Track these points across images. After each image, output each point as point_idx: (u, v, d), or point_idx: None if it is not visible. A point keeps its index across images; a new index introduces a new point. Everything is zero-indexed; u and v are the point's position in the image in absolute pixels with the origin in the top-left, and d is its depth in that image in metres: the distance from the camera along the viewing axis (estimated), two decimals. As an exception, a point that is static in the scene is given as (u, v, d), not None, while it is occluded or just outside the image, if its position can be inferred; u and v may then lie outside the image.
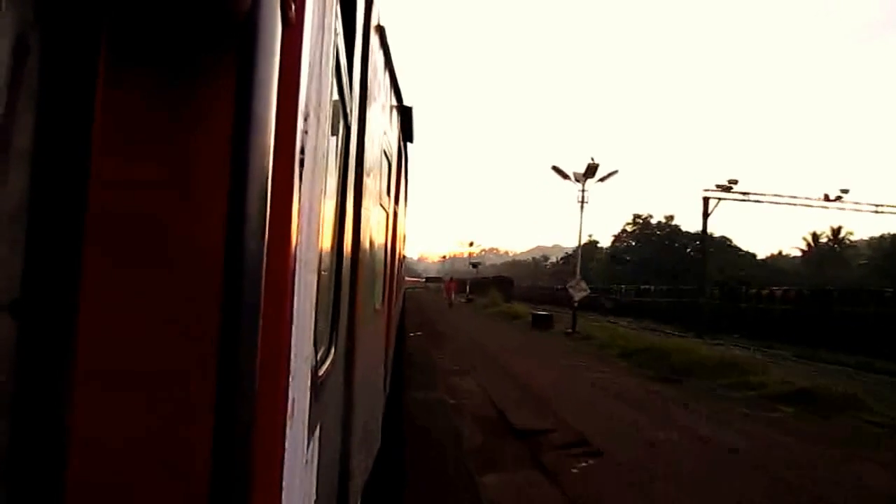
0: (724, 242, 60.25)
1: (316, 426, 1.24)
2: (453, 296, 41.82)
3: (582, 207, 23.33)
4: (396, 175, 4.60)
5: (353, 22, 1.73)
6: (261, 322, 0.64)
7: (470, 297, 51.35)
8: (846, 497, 5.73)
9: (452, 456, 6.01)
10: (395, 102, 3.94)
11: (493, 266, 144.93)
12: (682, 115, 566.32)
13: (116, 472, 0.66)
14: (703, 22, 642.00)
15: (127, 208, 0.68)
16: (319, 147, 1.06)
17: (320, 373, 1.29)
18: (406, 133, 5.48)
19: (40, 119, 0.58)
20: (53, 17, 0.58)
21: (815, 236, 65.35)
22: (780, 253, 74.86)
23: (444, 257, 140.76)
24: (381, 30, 2.60)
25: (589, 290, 24.17)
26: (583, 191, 23.24)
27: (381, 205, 3.31)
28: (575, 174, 23.28)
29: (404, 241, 9.03)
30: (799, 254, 68.39)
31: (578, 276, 23.16)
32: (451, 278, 52.12)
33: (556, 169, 23.66)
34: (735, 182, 29.23)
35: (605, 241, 78.47)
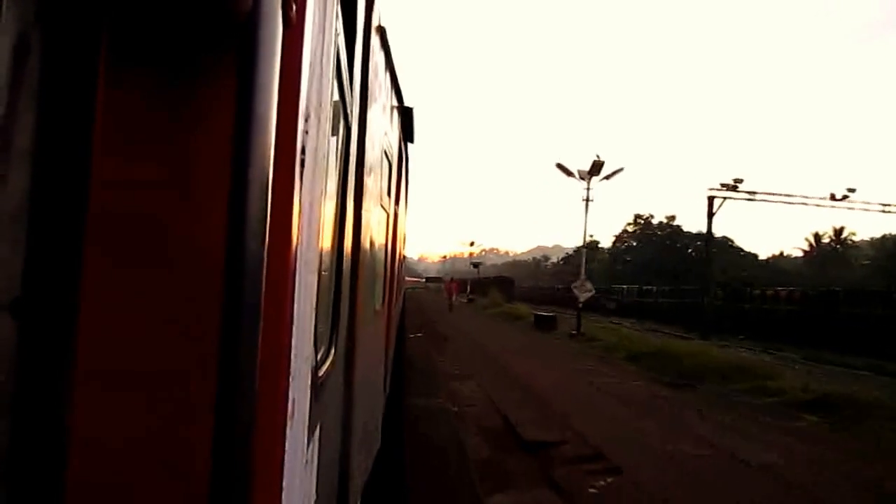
0: (726, 243, 60.15)
1: (316, 426, 1.23)
2: (454, 297, 39.27)
3: (587, 206, 22.98)
4: (397, 176, 4.60)
5: (354, 22, 1.73)
6: (261, 322, 0.64)
7: (471, 297, 51.31)
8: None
9: (456, 472, 5.52)
10: (395, 103, 3.94)
11: (493, 266, 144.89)
12: (681, 114, 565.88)
13: (116, 473, 0.66)
14: (704, 20, 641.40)
15: (128, 208, 0.68)
16: (320, 147, 1.06)
17: (320, 373, 1.29)
18: (407, 134, 5.48)
19: (41, 119, 0.58)
20: (54, 16, 0.58)
21: (817, 237, 65.26)
22: (781, 253, 74.80)
23: (445, 257, 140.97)
24: (381, 30, 2.60)
25: (594, 291, 23.85)
26: (588, 189, 22.88)
27: (382, 205, 3.31)
28: (579, 172, 22.91)
29: (404, 241, 9.02)
30: (801, 254, 68.28)
31: (584, 277, 22.73)
32: (452, 279, 51.52)
33: (560, 166, 23.28)
34: (740, 181, 28.93)
35: (605, 242, 78.50)
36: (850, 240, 64.20)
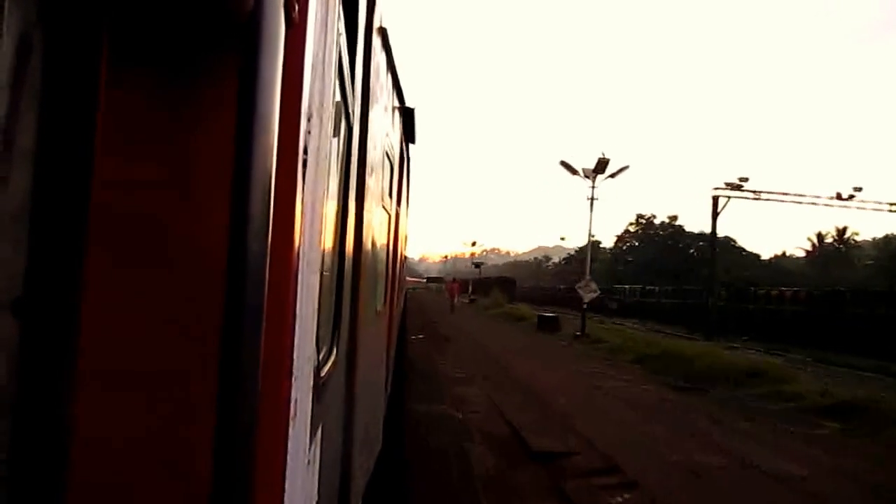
0: (729, 243, 60.04)
1: (318, 427, 1.23)
2: (456, 298, 38.65)
3: (591, 204, 22.61)
4: (398, 176, 4.61)
5: (356, 23, 1.73)
6: (264, 323, 0.64)
7: (472, 297, 51.30)
8: None
9: (460, 486, 5.28)
10: (396, 104, 3.94)
11: (494, 266, 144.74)
12: (681, 114, 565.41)
13: (117, 473, 0.66)
14: (707, 17, 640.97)
15: (129, 208, 0.68)
16: (322, 148, 1.06)
17: (322, 374, 1.29)
18: (408, 134, 5.49)
19: (43, 119, 0.58)
20: (56, 16, 0.58)
21: (819, 237, 65.14)
22: (783, 253, 74.62)
23: (446, 257, 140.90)
24: (383, 31, 2.60)
25: (599, 291, 23.52)
26: (592, 187, 22.50)
27: (383, 206, 3.31)
28: (584, 170, 22.52)
29: (406, 242, 9.01)
30: (803, 254, 68.15)
31: (588, 277, 22.37)
32: (454, 279, 51.35)
33: (564, 164, 22.87)
34: (746, 180, 28.63)
35: (607, 242, 78.43)
36: (853, 240, 64.09)
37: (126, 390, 0.67)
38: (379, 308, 3.54)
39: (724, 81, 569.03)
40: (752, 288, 34.05)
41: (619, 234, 75.08)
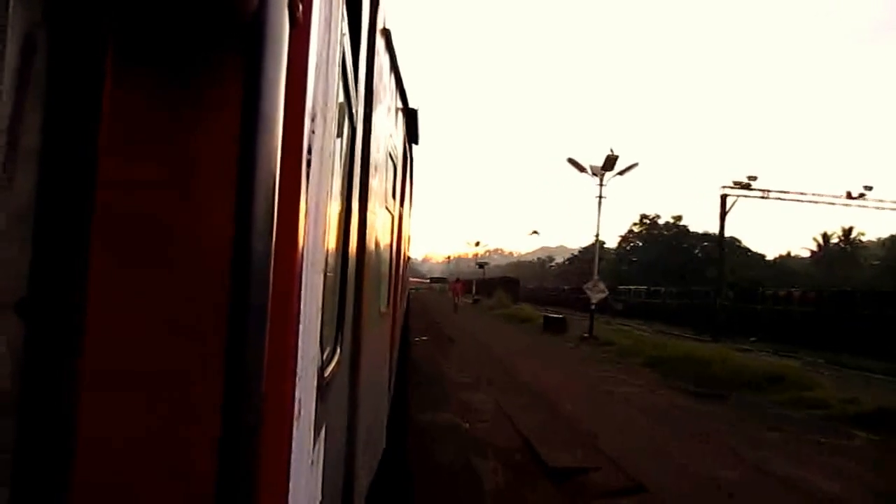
0: (734, 243, 59.76)
1: (322, 427, 1.23)
2: (459, 298, 38.58)
3: (600, 203, 22.31)
4: (402, 177, 4.61)
5: (359, 24, 1.73)
6: (268, 323, 0.64)
7: (476, 298, 51.25)
8: None
9: None
10: (400, 105, 3.95)
11: (497, 266, 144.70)
12: (684, 114, 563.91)
13: (120, 473, 0.66)
14: (714, 16, 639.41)
15: (133, 209, 0.68)
16: (326, 148, 1.06)
17: (326, 374, 1.29)
18: (411, 135, 5.49)
19: (47, 119, 0.58)
20: (60, 16, 0.58)
21: (825, 237, 64.76)
22: (789, 254, 74.23)
23: (449, 258, 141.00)
24: (386, 33, 2.61)
25: (607, 292, 23.24)
26: (601, 185, 22.16)
27: (387, 207, 3.31)
28: (592, 167, 22.19)
29: (409, 243, 8.99)
30: (808, 254, 67.77)
31: (596, 277, 22.03)
32: (458, 279, 51.18)
33: (572, 161, 22.50)
34: (754, 178, 28.39)
35: (611, 242, 78.21)
36: (859, 240, 63.70)
37: (130, 390, 0.67)
38: (382, 309, 3.55)
39: (725, 82, 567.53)
40: (760, 288, 33.78)
41: (623, 234, 74.93)
